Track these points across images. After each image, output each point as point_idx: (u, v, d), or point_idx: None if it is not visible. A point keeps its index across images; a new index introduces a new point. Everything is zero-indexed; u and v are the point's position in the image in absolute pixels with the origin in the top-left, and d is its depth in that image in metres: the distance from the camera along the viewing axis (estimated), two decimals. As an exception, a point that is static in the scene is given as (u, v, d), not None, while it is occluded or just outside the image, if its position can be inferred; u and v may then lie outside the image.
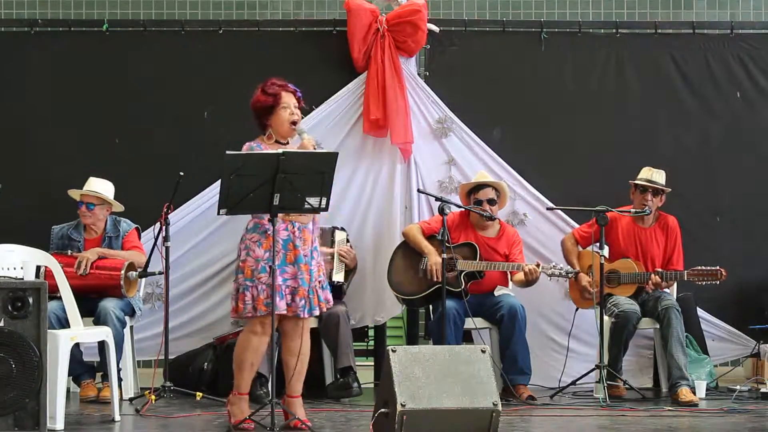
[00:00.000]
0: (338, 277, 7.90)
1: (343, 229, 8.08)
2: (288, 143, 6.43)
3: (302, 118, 6.51)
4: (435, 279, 7.64)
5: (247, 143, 6.41)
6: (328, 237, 7.90)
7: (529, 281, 7.72)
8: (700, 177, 8.53)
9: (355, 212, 8.36)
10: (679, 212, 8.11)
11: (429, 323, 8.10)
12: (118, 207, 7.82)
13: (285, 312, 6.24)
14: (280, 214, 6.20)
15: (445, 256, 7.36)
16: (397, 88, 8.27)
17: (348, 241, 8.07)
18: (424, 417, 5.66)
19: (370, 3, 8.38)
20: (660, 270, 7.87)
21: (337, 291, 7.94)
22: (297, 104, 6.45)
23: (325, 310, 6.47)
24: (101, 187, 7.77)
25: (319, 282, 6.39)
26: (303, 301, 6.27)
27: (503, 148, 8.45)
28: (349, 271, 8.06)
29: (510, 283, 8.00)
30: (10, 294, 5.92)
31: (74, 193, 7.78)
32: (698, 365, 8.02)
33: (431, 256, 7.73)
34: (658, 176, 7.94)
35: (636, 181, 7.96)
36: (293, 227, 6.30)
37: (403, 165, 8.36)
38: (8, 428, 5.86)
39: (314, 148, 6.41)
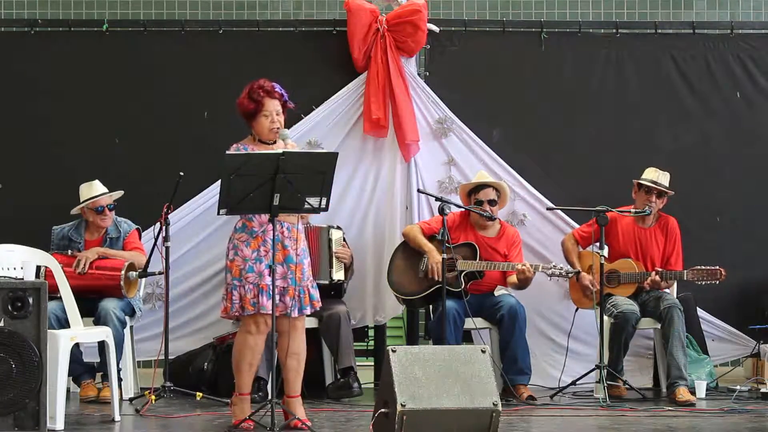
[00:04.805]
0: (338, 275, 7.89)
1: (339, 227, 8.07)
2: (275, 143, 6.40)
3: (283, 126, 6.42)
4: (436, 278, 7.64)
5: (234, 144, 6.41)
6: (324, 235, 7.89)
7: (521, 281, 7.71)
8: (700, 177, 8.52)
9: (355, 212, 8.36)
10: (679, 212, 8.10)
11: (429, 323, 8.09)
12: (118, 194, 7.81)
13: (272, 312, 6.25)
14: (266, 215, 6.21)
15: (445, 255, 7.36)
16: (402, 87, 8.28)
17: (345, 240, 8.06)
18: (424, 417, 5.66)
19: (370, 3, 8.38)
20: (660, 269, 7.87)
21: (338, 290, 7.95)
22: (281, 110, 6.40)
23: (317, 308, 6.46)
24: (99, 188, 7.74)
25: (310, 281, 6.40)
26: (293, 301, 6.27)
27: (503, 148, 8.44)
28: (347, 269, 8.06)
29: (510, 283, 8.01)
30: (10, 294, 5.93)
31: (83, 206, 7.69)
32: (698, 365, 8.01)
33: (432, 255, 7.72)
34: (664, 178, 7.93)
35: (641, 181, 7.95)
36: (282, 227, 6.28)
37: (403, 165, 8.36)
38: (8, 428, 5.86)
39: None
